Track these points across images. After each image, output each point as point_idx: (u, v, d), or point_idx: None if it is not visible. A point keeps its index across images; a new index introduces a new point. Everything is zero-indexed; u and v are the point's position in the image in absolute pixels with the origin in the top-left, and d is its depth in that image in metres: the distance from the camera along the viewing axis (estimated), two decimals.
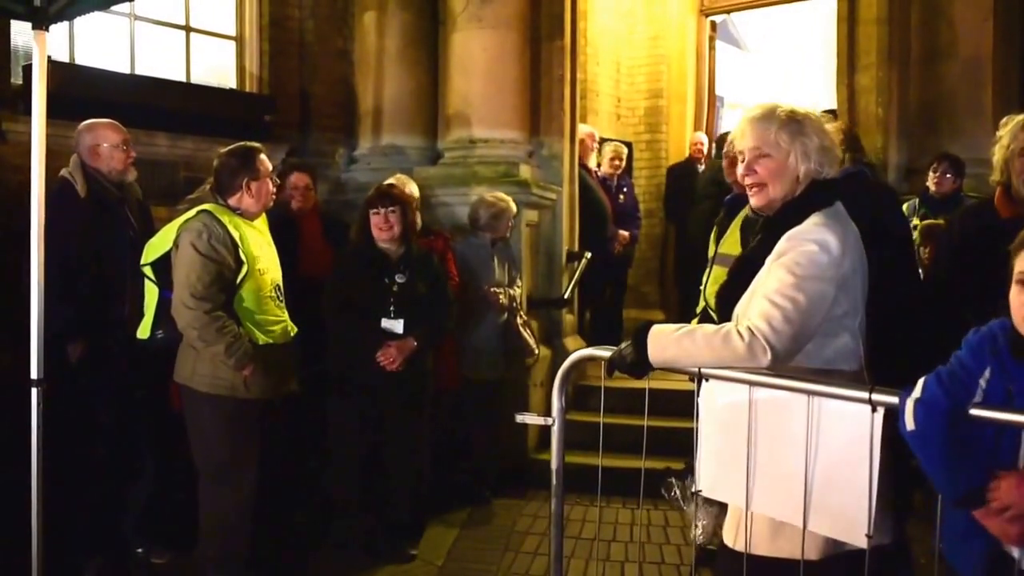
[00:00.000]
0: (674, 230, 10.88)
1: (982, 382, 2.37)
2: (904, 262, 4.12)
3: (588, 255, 8.16)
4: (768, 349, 2.63)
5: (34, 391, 3.93)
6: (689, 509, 3.20)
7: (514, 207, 6.61)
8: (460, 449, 6.45)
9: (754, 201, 3.00)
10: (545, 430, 3.66)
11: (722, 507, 3.14)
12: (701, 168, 10.10)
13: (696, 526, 3.20)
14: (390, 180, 6.06)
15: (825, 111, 8.15)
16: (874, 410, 2.45)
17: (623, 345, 2.96)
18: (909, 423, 2.36)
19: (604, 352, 3.13)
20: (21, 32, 6.18)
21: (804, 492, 2.61)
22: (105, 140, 5.03)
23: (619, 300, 9.96)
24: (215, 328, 4.29)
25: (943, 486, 2.40)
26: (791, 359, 2.71)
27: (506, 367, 6.58)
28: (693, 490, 3.03)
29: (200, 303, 4.27)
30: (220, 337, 4.29)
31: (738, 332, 2.69)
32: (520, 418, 3.61)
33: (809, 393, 2.61)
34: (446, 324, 5.58)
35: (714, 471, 2.94)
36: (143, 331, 4.54)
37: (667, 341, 2.82)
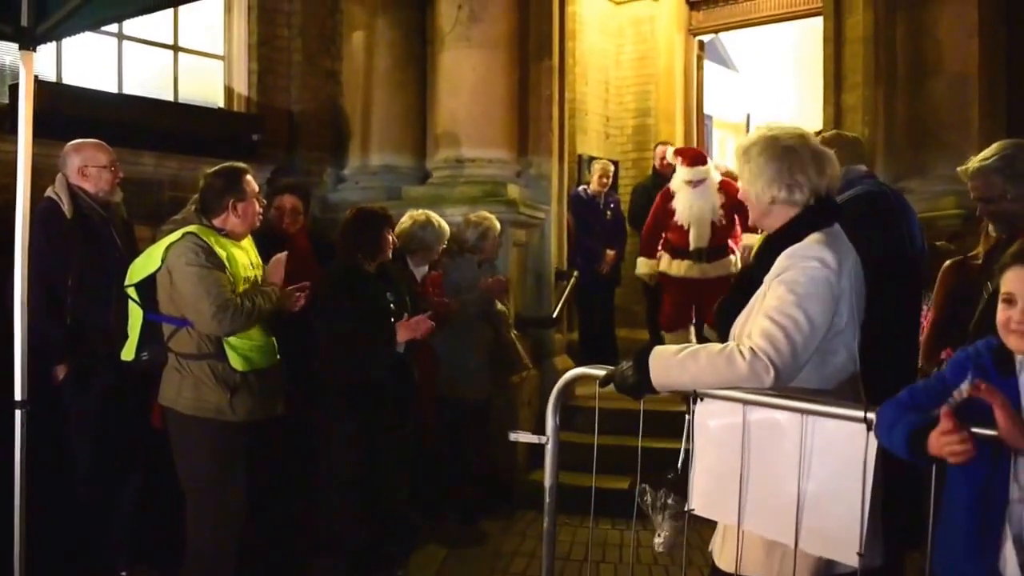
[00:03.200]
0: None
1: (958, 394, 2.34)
2: (908, 288, 4.17)
3: (576, 274, 8.18)
4: (771, 368, 2.65)
5: (18, 412, 3.89)
6: (655, 517, 3.17)
7: (498, 225, 6.61)
8: (449, 468, 6.40)
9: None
10: (535, 450, 3.67)
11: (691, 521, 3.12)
12: None
13: (658, 535, 3.18)
14: (433, 223, 6.10)
15: (816, 132, 8.18)
16: (869, 429, 2.45)
17: (624, 365, 2.96)
18: (875, 428, 2.42)
19: (598, 371, 3.16)
20: (8, 51, 6.15)
21: (796, 511, 2.61)
22: (93, 161, 5.00)
23: (608, 320, 9.95)
24: (246, 316, 4.31)
25: (910, 455, 2.34)
26: (794, 377, 2.73)
27: (493, 386, 6.56)
28: (685, 508, 3.02)
29: (227, 305, 4.25)
30: (253, 314, 4.35)
31: (740, 352, 2.70)
32: (514, 436, 3.59)
33: (804, 412, 2.62)
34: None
35: (707, 490, 2.95)
36: (127, 352, 4.47)
37: (670, 363, 2.83)
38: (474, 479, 6.55)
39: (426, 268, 6.07)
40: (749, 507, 2.77)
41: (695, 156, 8.30)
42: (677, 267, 8.16)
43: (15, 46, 4.02)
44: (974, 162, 3.88)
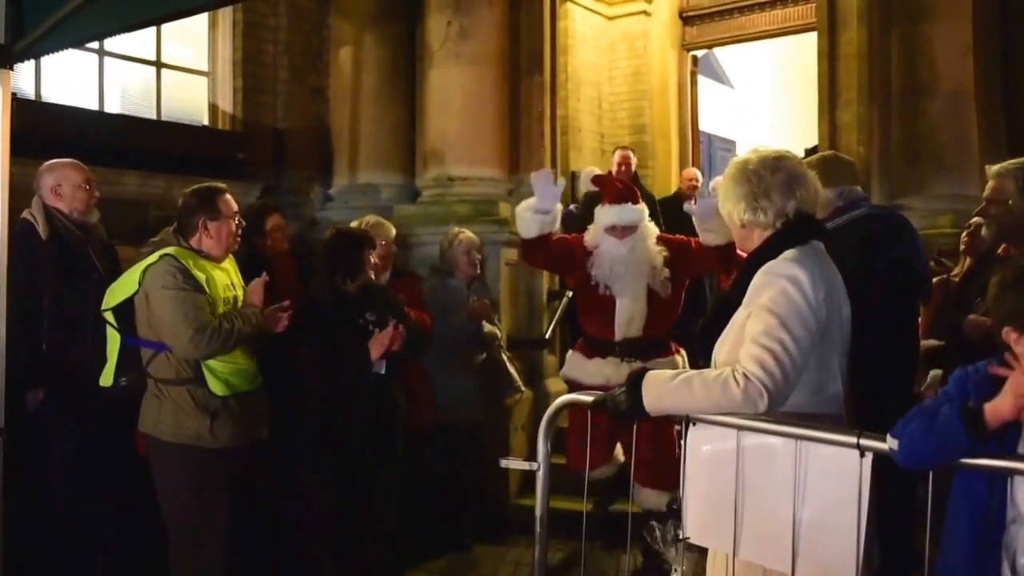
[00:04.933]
0: None
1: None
2: (912, 308, 4.16)
3: (569, 293, 8.05)
4: (765, 392, 2.68)
5: None
6: (669, 553, 3.12)
7: (467, 235, 6.47)
8: (439, 495, 6.29)
9: None
10: (527, 474, 3.63)
11: (703, 552, 3.12)
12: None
13: (675, 570, 3.13)
14: (364, 222, 5.92)
15: (807, 150, 8.12)
16: (862, 455, 2.46)
17: (617, 390, 3.00)
18: (893, 444, 2.38)
19: (589, 397, 3.21)
20: None
21: (792, 538, 2.60)
22: (66, 180, 4.93)
23: None
24: (224, 338, 4.23)
25: (950, 449, 2.32)
26: (786, 400, 2.75)
27: (485, 410, 6.47)
28: (681, 536, 3.01)
29: (205, 327, 4.18)
30: (232, 336, 4.26)
31: (734, 378, 2.72)
32: (504, 463, 3.63)
33: (797, 438, 2.61)
34: (419, 340, 5.43)
35: (701, 517, 2.94)
36: (105, 378, 4.40)
37: (664, 389, 2.87)
38: (466, 504, 6.44)
39: (387, 275, 5.92)
40: (743, 534, 2.77)
41: (620, 190, 5.67)
42: (596, 370, 5.54)
43: None
44: (1004, 164, 4.03)
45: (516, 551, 6.30)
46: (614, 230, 5.46)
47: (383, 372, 5.07)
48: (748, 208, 3.00)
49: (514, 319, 7.61)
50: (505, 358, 6.59)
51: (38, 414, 4.74)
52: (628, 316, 5.45)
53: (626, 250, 5.44)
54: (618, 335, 5.46)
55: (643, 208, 5.61)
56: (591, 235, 5.59)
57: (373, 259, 5.26)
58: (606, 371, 5.43)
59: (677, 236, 5.78)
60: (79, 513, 4.92)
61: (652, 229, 5.61)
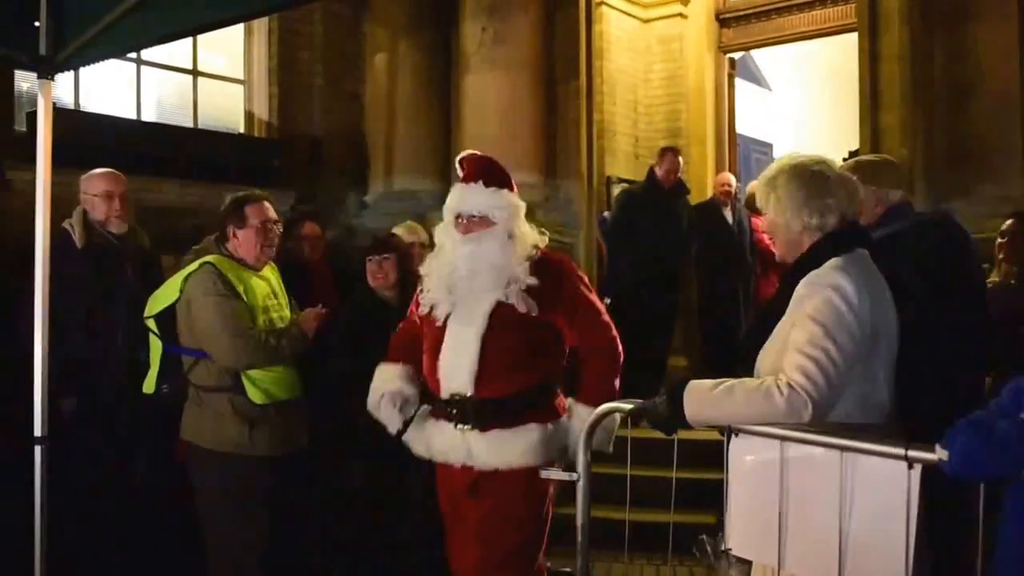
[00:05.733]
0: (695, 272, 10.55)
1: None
2: (974, 319, 4.07)
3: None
4: (809, 402, 2.65)
5: (37, 449, 3.83)
6: (720, 566, 3.09)
7: None
8: None
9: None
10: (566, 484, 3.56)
11: (751, 565, 3.08)
12: (726, 210, 9.36)
13: None
14: (400, 227, 5.93)
15: (851, 152, 8.01)
16: (911, 467, 2.41)
17: (657, 399, 2.97)
18: (943, 454, 2.32)
19: (629, 405, 3.15)
20: (25, 77, 6.13)
21: (839, 552, 2.56)
22: (90, 189, 5.00)
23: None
24: (267, 352, 4.25)
25: (1013, 462, 2.29)
26: (831, 410, 2.72)
27: None
28: (724, 548, 2.99)
29: (246, 336, 4.19)
30: (278, 351, 4.28)
31: (778, 387, 2.69)
32: (545, 473, 3.58)
33: (843, 449, 2.57)
34: None
35: (744, 529, 2.91)
36: (148, 385, 4.42)
37: (705, 399, 2.84)
38: None
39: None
40: (788, 547, 2.73)
41: (476, 164, 3.91)
42: (425, 434, 3.89)
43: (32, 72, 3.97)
44: None
45: (556, 562, 6.19)
46: (459, 220, 3.80)
47: None
48: (814, 211, 2.92)
49: None
50: None
51: (69, 422, 4.77)
52: (452, 364, 3.73)
53: (467, 252, 3.74)
54: (443, 389, 3.77)
55: (505, 198, 3.83)
56: (438, 230, 3.96)
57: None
58: (436, 440, 3.83)
59: (570, 264, 4.06)
60: (111, 521, 4.94)
61: (524, 235, 3.84)
